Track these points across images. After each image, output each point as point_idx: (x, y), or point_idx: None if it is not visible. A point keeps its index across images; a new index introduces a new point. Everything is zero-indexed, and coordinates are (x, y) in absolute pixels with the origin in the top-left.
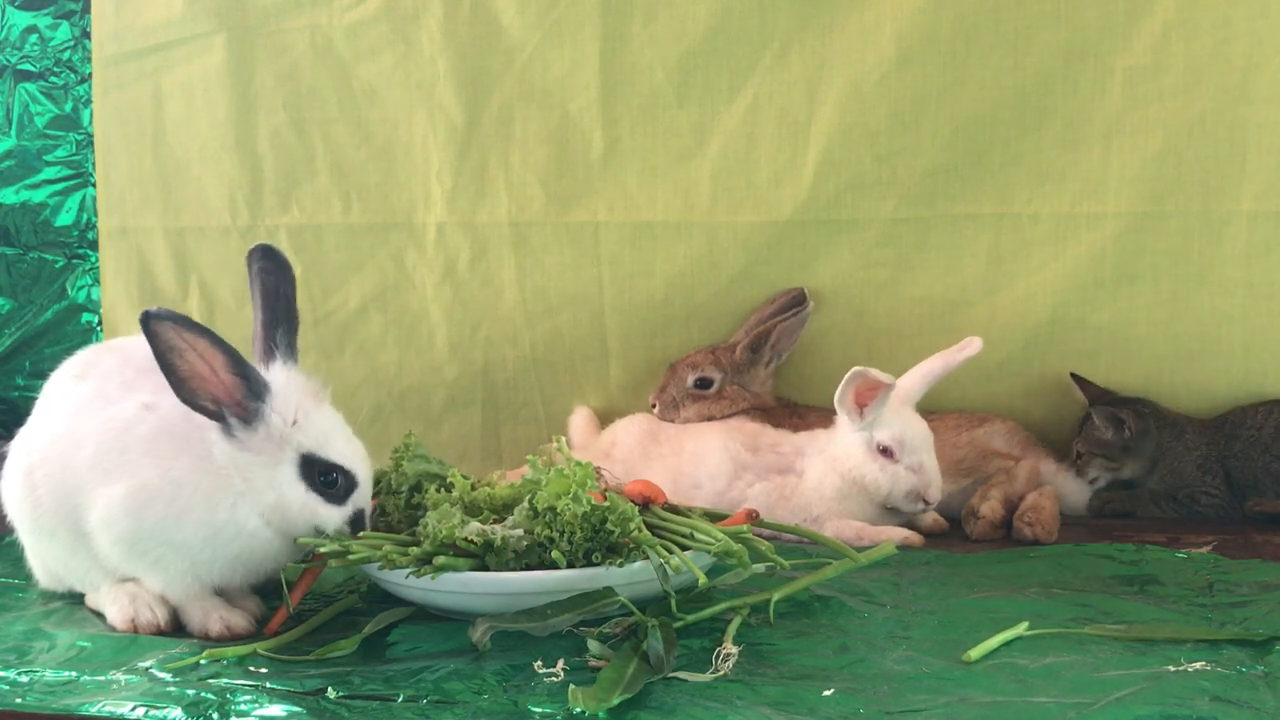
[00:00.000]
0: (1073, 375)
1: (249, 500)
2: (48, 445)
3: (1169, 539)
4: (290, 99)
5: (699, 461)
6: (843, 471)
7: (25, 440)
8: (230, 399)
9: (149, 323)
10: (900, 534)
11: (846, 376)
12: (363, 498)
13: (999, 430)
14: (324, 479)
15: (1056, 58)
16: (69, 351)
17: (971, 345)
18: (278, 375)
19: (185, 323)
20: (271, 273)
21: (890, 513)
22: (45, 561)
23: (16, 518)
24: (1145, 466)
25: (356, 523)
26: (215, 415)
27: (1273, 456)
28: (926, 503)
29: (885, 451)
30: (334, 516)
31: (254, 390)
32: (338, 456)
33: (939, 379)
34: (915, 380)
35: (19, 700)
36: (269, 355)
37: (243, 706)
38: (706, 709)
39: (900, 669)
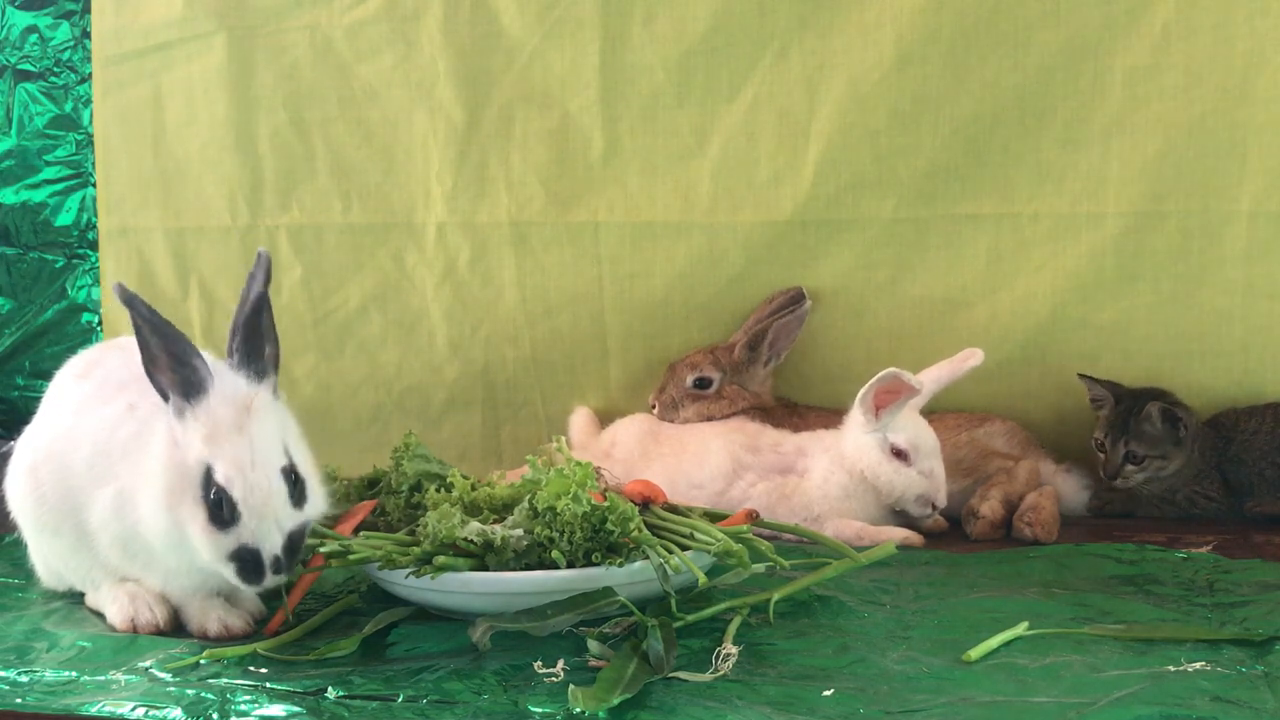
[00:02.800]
0: (1081, 375)
1: (166, 500)
2: (50, 444)
3: (1169, 539)
4: (290, 99)
5: (699, 462)
6: (852, 471)
7: (30, 437)
8: (172, 388)
9: (124, 298)
10: (900, 534)
11: (877, 376)
12: (250, 535)
13: (999, 430)
14: (212, 498)
15: (1056, 58)
16: (69, 351)
17: (974, 356)
18: (216, 380)
19: (143, 304)
20: (252, 276)
21: (893, 514)
22: (47, 559)
23: (20, 514)
24: (1179, 464)
25: (243, 560)
26: (165, 396)
27: (1268, 464)
28: (935, 508)
29: (900, 454)
30: (210, 541)
31: (184, 387)
32: (224, 479)
33: (943, 387)
34: (924, 387)
35: (19, 700)
36: (228, 359)
37: (243, 706)
38: (706, 709)
39: (900, 669)
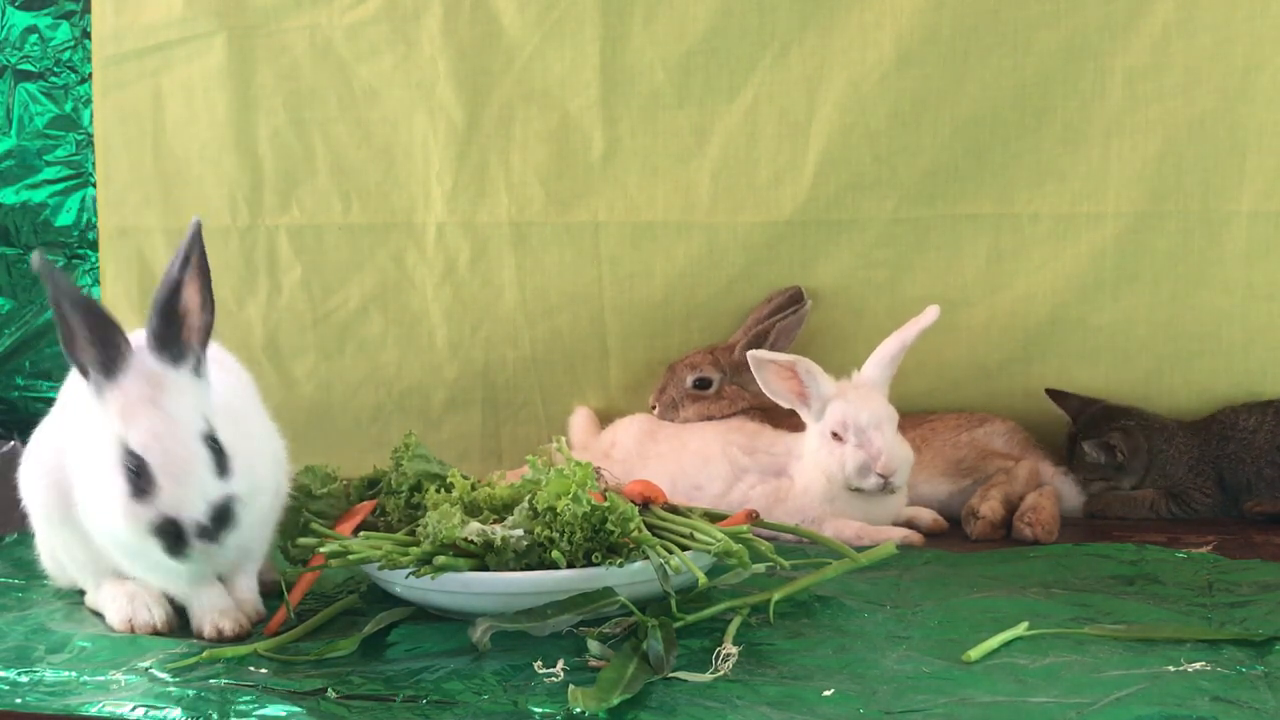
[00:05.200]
0: (1048, 391)
1: (93, 485)
2: (59, 438)
3: (1169, 539)
4: (290, 99)
5: (700, 462)
6: (812, 469)
7: (47, 429)
8: (92, 365)
9: (43, 270)
10: (900, 534)
11: (753, 366)
12: (170, 504)
13: (999, 430)
14: (130, 467)
15: (1056, 58)
16: None
17: (927, 315)
18: (134, 357)
19: (64, 278)
20: (177, 254)
21: (880, 506)
22: (55, 553)
23: (33, 505)
24: (1140, 475)
25: (166, 533)
26: (84, 373)
27: (1266, 463)
28: (882, 476)
29: (836, 436)
30: (129, 513)
31: (104, 363)
32: (139, 447)
33: (899, 356)
34: (873, 365)
35: (19, 700)
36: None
37: (243, 706)
38: (706, 709)
39: (900, 669)
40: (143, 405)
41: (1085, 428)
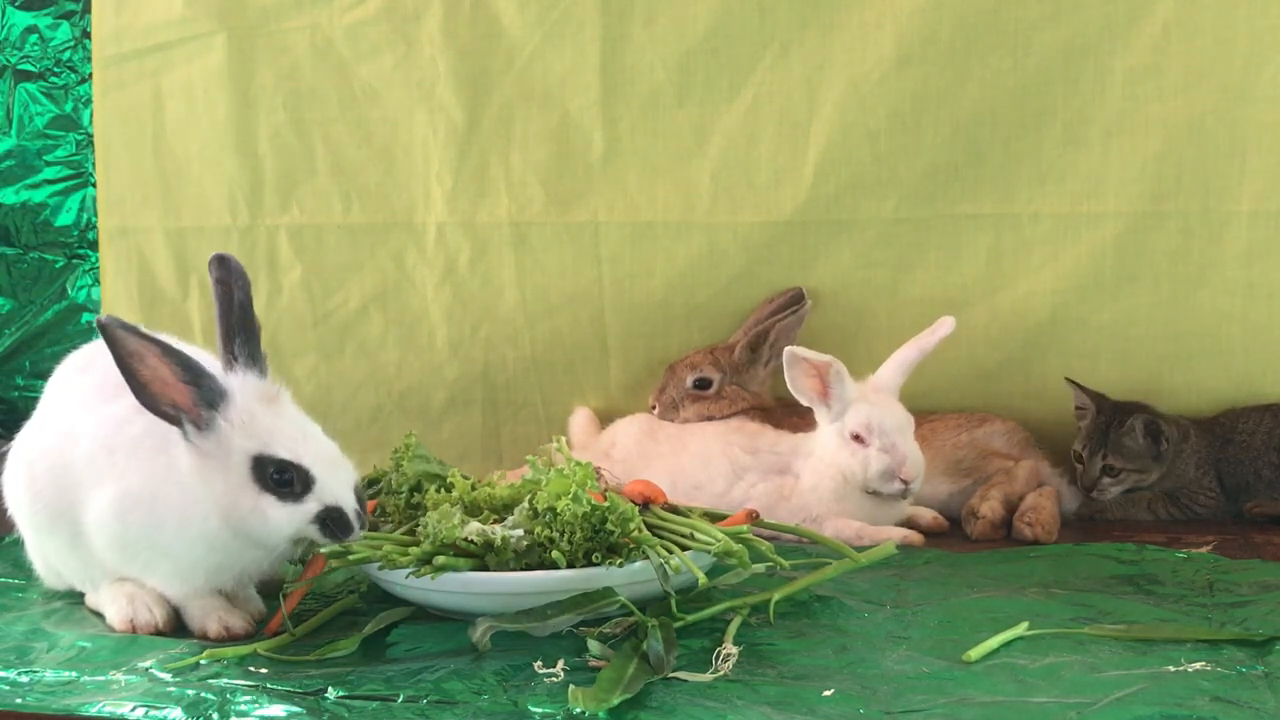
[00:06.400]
0: (1069, 380)
1: (212, 509)
2: (49, 439)
3: (1169, 539)
4: (290, 99)
5: (700, 462)
6: (830, 469)
7: (29, 433)
8: (186, 406)
9: (106, 330)
10: (900, 534)
11: (785, 361)
12: (330, 494)
13: (999, 430)
14: (277, 477)
15: (1056, 58)
16: (69, 351)
17: (944, 325)
18: (234, 382)
19: (138, 331)
20: (225, 283)
21: (887, 508)
22: (46, 558)
23: (17, 512)
24: (1163, 472)
25: (329, 521)
26: (175, 421)
27: (1265, 464)
28: (904, 481)
29: (857, 438)
30: (288, 516)
31: (207, 398)
32: (288, 453)
33: (916, 364)
34: (891, 371)
35: (19, 700)
36: (229, 365)
37: (243, 706)
38: (706, 709)
39: (900, 669)
40: (272, 418)
41: (1127, 411)
